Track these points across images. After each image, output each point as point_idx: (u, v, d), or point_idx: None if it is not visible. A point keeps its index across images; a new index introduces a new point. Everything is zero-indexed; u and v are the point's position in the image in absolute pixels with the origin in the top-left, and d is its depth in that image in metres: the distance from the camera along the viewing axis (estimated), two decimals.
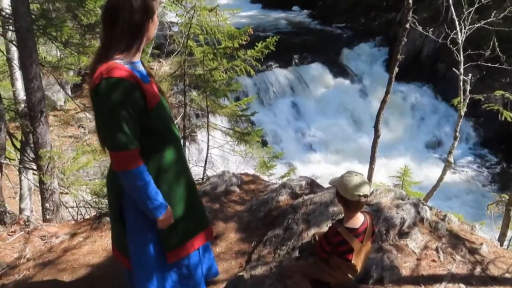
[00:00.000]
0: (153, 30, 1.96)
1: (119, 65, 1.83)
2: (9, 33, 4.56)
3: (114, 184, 2.08)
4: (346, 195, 2.20)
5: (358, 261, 2.30)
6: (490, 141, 12.25)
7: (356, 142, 12.72)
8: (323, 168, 12.28)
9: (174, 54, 6.98)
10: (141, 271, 2.15)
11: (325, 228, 2.88)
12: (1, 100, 3.63)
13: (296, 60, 14.11)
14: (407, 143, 12.86)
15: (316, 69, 14.16)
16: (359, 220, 2.30)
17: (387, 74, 14.39)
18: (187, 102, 4.83)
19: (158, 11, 1.98)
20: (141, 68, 1.97)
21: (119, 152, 1.84)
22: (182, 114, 5.55)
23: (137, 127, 1.86)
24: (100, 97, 1.80)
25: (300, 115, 13.62)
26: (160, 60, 10.43)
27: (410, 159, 12.24)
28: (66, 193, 4.85)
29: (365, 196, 2.19)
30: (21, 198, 6.25)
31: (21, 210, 6.27)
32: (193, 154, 9.51)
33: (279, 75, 13.62)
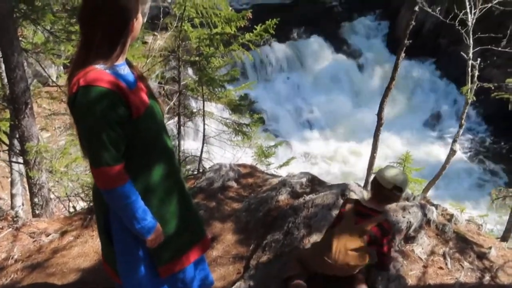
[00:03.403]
0: (138, 28, 1.73)
1: (99, 71, 1.61)
2: None
3: (99, 198, 1.90)
4: (381, 181, 2.29)
5: (337, 240, 2.27)
6: (490, 119, 12.03)
7: (355, 118, 12.47)
8: (320, 146, 12.10)
9: (169, 32, 6.66)
10: None
11: None
12: None
13: (295, 35, 13.70)
14: (405, 120, 12.65)
15: (315, 43, 13.78)
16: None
17: (388, 49, 14.16)
18: (182, 90, 4.58)
19: (144, 6, 1.75)
20: (126, 70, 1.75)
21: (101, 168, 1.65)
22: (177, 96, 5.30)
23: (121, 142, 1.66)
24: (79, 110, 1.60)
25: (298, 91, 13.33)
26: (155, 33, 10.04)
27: (408, 137, 12.09)
28: (57, 181, 4.68)
29: (399, 190, 2.27)
30: (12, 184, 6.09)
31: (12, 196, 6.12)
32: (188, 135, 9.29)
33: (277, 50, 13.23)
